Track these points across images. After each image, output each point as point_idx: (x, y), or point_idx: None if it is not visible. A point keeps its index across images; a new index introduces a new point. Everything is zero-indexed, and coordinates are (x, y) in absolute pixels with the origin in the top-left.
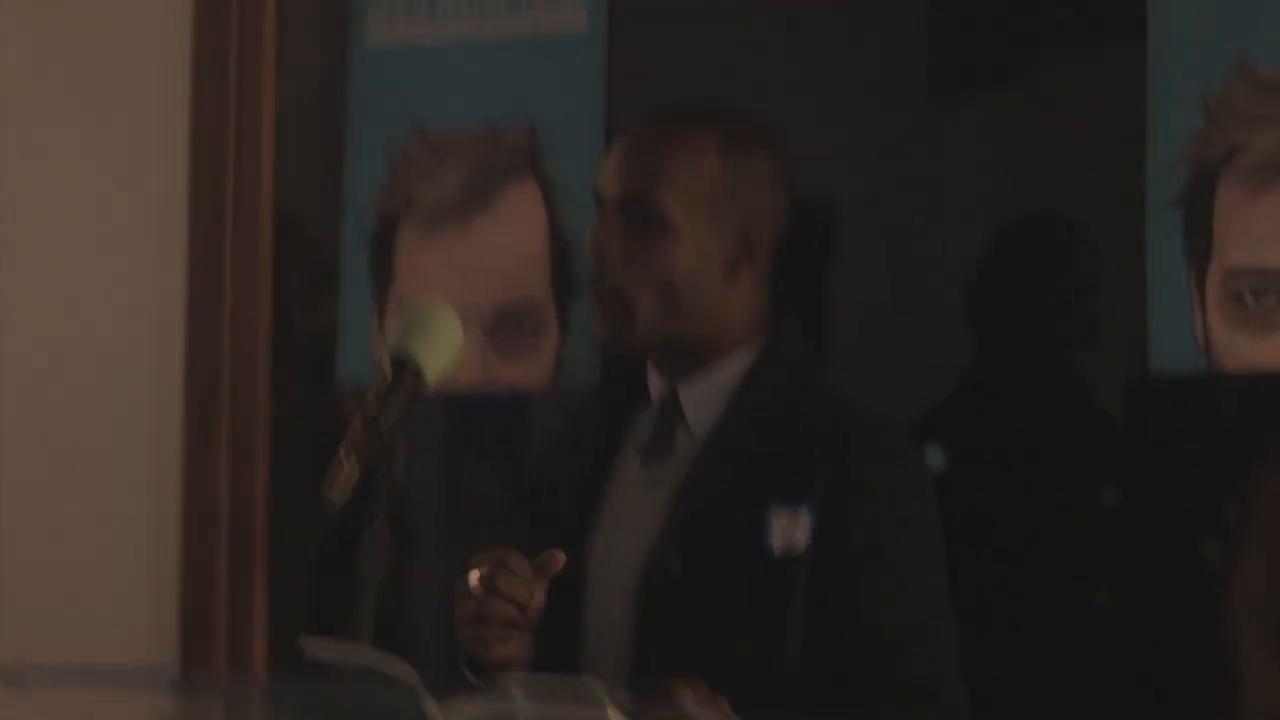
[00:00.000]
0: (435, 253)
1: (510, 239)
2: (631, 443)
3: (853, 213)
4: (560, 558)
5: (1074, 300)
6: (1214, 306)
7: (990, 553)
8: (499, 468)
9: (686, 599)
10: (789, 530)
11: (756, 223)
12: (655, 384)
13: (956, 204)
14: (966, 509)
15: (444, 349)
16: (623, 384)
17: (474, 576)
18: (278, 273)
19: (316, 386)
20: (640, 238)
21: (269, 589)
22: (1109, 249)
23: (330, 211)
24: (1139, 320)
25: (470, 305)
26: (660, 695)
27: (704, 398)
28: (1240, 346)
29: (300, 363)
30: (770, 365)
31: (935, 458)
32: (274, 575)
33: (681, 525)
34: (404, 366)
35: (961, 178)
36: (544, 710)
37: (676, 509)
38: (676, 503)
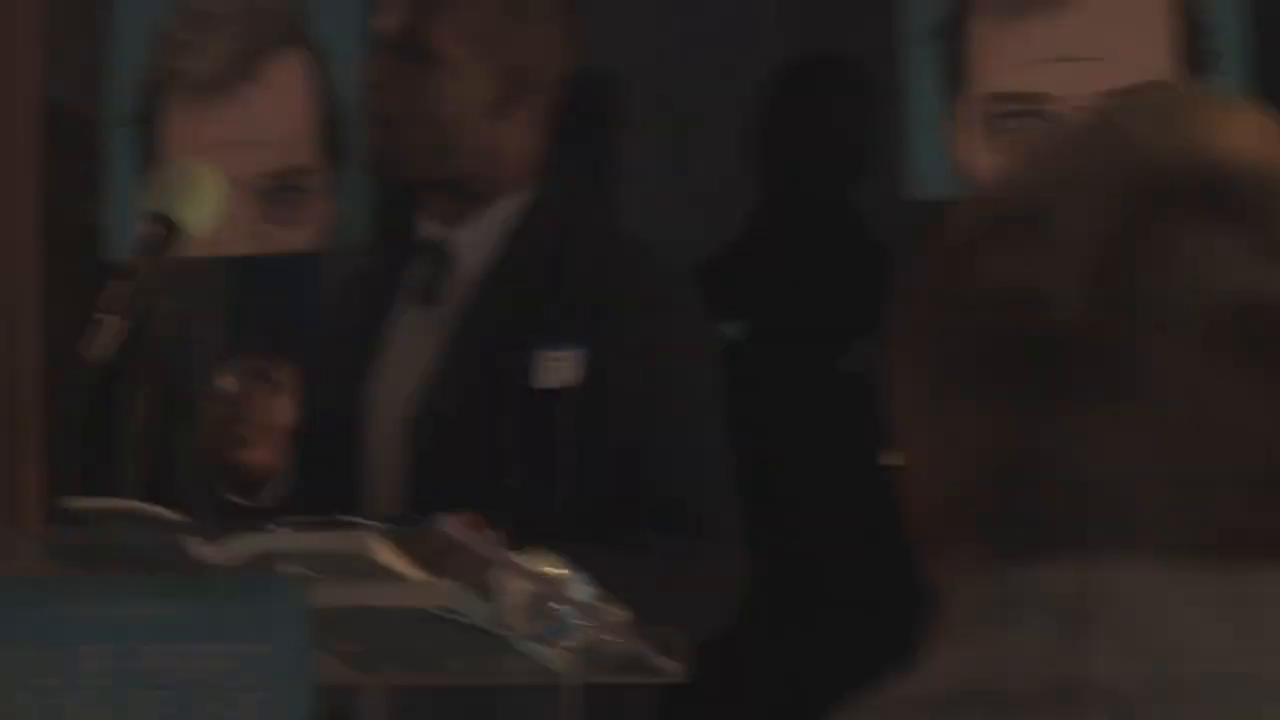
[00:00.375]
0: (202, 125)
1: (278, 107)
2: (407, 290)
3: (636, 75)
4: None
5: (843, 137)
6: (974, 133)
7: (768, 398)
8: (274, 327)
9: (456, 437)
10: (558, 367)
11: (534, 62)
12: (427, 229)
13: (730, 59)
14: (748, 356)
15: (202, 205)
16: (395, 236)
17: (228, 379)
18: (43, 154)
19: (87, 263)
20: (413, 72)
21: (46, 458)
22: (873, 84)
23: (92, 91)
24: (903, 151)
25: (240, 175)
26: (426, 525)
27: (476, 240)
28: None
29: (68, 242)
30: (544, 207)
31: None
32: (51, 446)
33: (450, 365)
34: (162, 223)
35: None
36: (308, 543)
37: (446, 349)
38: (447, 343)
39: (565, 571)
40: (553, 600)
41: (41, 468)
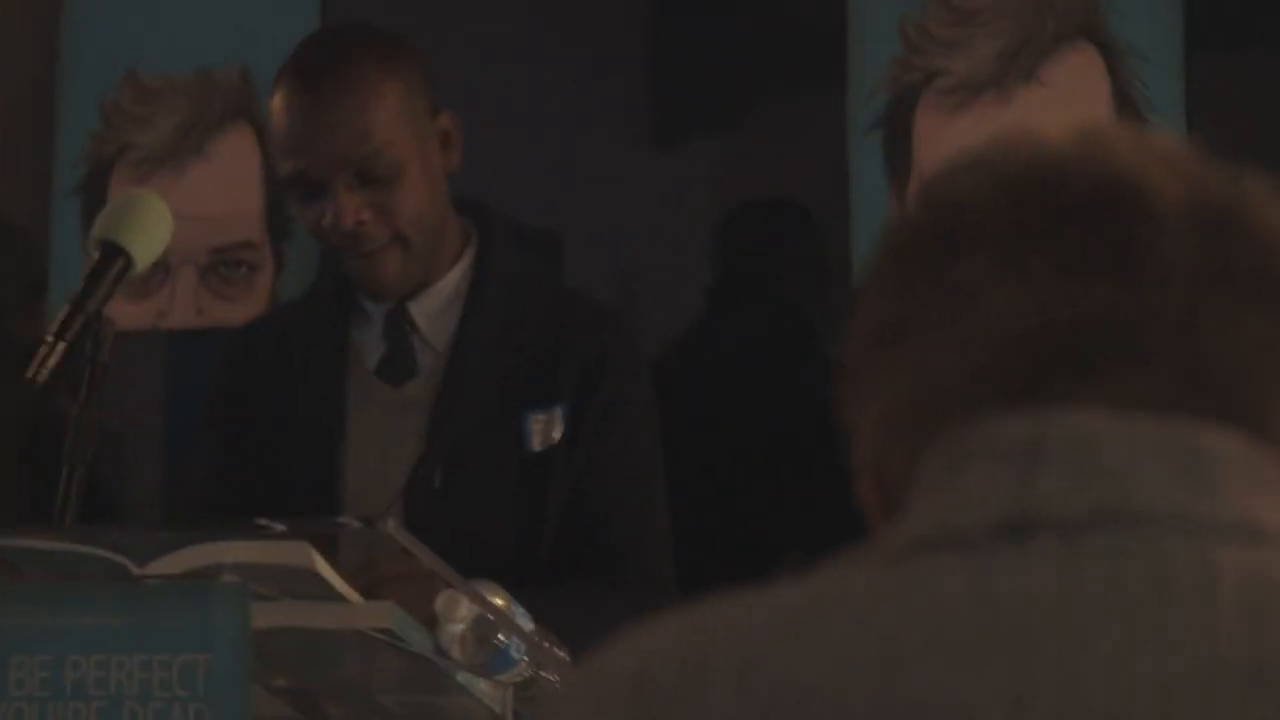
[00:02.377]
0: None
1: (224, 183)
2: (358, 363)
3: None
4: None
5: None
6: None
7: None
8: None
9: (452, 507)
10: (546, 429)
11: (436, 119)
12: (370, 304)
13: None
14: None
15: (151, 231)
16: (333, 300)
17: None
18: None
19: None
20: (379, 195)
21: None
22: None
23: (42, 163)
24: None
25: (185, 249)
26: (376, 527)
27: (435, 310)
28: None
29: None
30: (491, 268)
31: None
32: None
33: (441, 441)
34: (109, 250)
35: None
36: (248, 554)
37: (437, 426)
38: (437, 420)
39: (507, 603)
40: (498, 631)
41: None
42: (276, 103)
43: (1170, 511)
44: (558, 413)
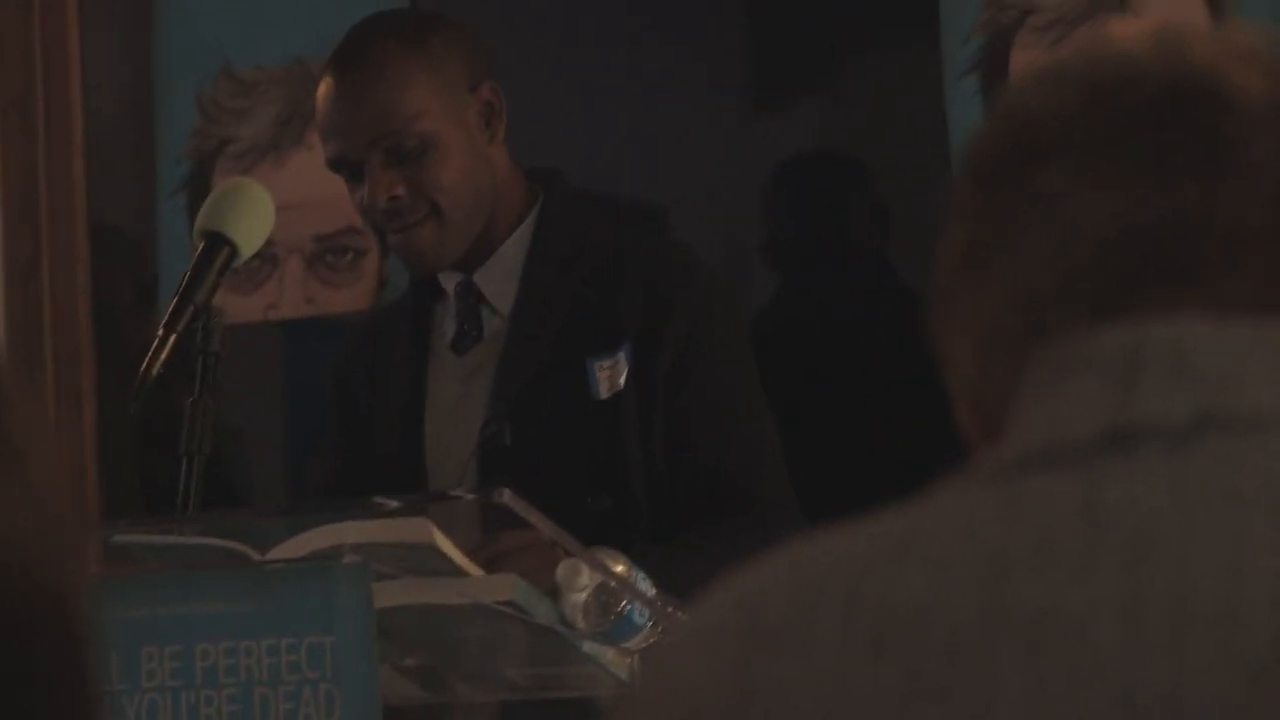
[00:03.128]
0: None
1: (325, 171)
2: (439, 340)
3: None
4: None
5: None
6: None
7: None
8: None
9: (525, 462)
10: (612, 376)
11: (477, 92)
12: (447, 277)
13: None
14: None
15: (252, 219)
16: (414, 290)
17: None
18: (95, 232)
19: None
20: (412, 170)
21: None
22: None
23: (145, 164)
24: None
25: (291, 239)
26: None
27: (500, 276)
28: None
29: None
30: (551, 228)
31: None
32: (105, 470)
33: (507, 398)
34: (213, 240)
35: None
36: (368, 533)
37: (500, 385)
38: (499, 380)
39: (628, 569)
40: (620, 597)
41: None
42: (317, 95)
43: (1275, 411)
44: (621, 357)
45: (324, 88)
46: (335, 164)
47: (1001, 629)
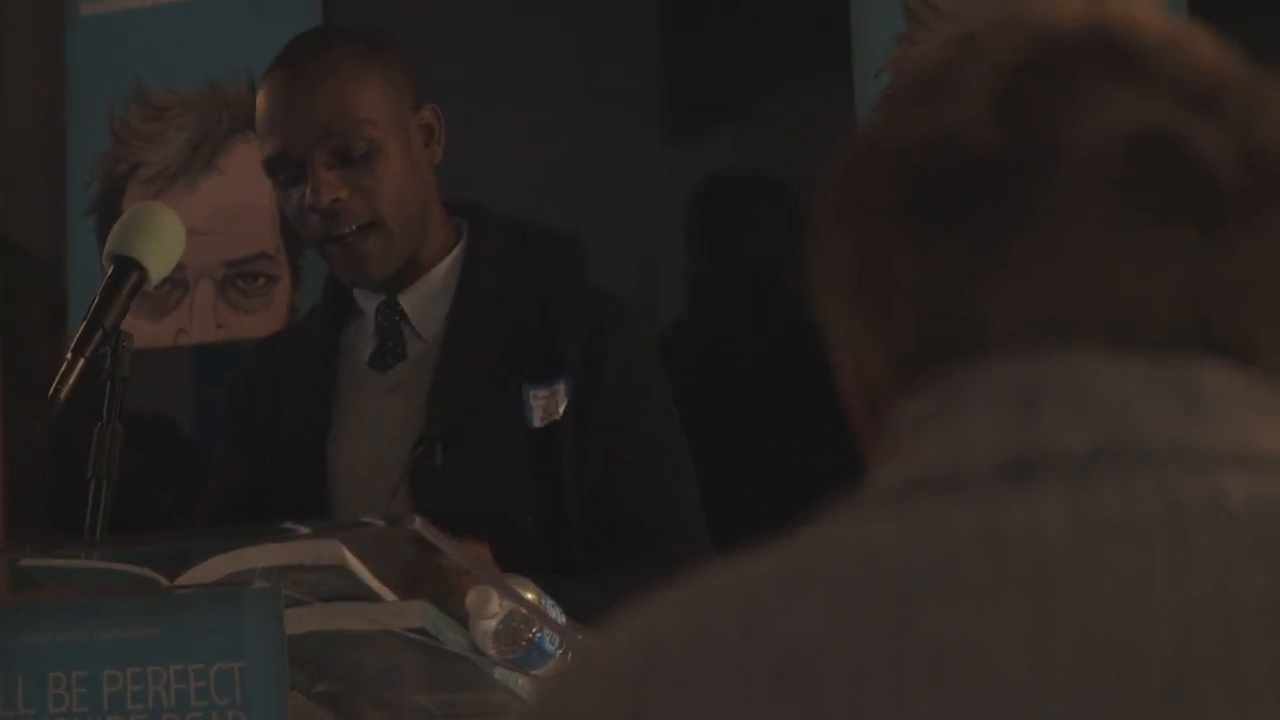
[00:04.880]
0: None
1: (237, 196)
2: (353, 357)
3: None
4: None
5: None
6: None
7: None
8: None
9: (457, 486)
10: (547, 406)
11: (419, 112)
12: (366, 298)
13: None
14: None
15: (163, 243)
16: (325, 309)
17: None
18: (4, 254)
19: (52, 350)
20: (356, 174)
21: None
22: None
23: (55, 185)
24: None
25: (202, 264)
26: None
27: (426, 300)
28: None
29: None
30: (481, 262)
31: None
32: (12, 494)
33: (440, 420)
34: (122, 264)
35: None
36: (278, 556)
37: (433, 406)
38: (432, 400)
39: (539, 596)
40: (531, 625)
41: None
42: (260, 95)
43: (1173, 444)
44: (560, 388)
45: (271, 84)
46: (274, 162)
47: (906, 660)
